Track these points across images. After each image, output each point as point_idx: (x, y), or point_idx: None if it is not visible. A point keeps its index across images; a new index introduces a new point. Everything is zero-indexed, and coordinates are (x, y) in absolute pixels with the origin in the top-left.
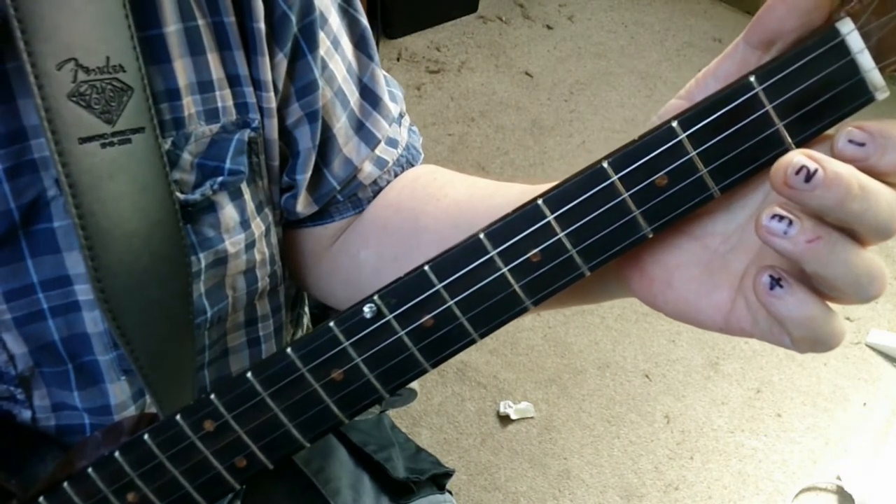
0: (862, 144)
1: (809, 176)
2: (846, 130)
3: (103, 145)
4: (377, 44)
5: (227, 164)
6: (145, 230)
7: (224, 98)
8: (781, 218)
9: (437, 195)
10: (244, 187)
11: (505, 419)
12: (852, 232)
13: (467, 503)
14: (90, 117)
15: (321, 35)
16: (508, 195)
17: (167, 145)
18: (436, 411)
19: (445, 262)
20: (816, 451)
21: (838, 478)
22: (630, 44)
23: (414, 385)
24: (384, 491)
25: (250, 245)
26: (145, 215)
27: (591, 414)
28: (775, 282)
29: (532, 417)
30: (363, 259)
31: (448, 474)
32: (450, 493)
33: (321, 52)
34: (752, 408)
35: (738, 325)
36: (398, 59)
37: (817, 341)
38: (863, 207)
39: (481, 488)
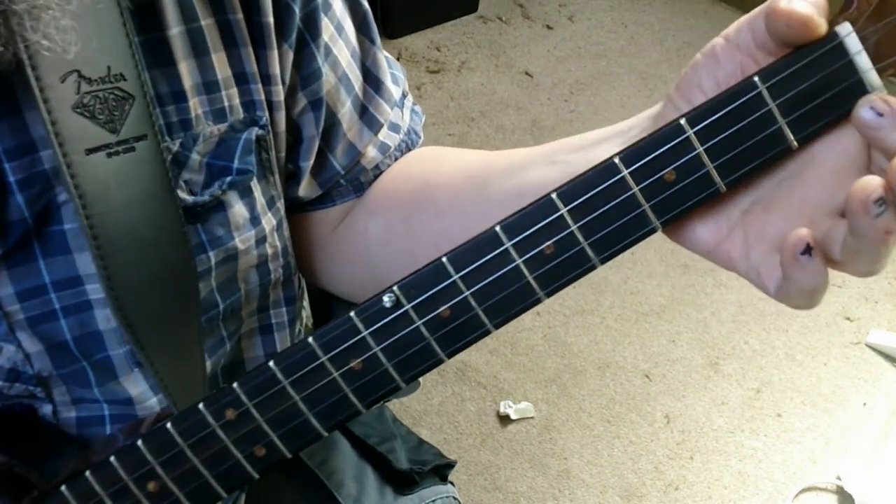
0: (881, 115)
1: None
2: (869, 97)
3: (109, 154)
4: None
5: (236, 164)
6: (153, 235)
7: (231, 97)
8: (883, 202)
9: (451, 158)
10: (254, 185)
11: (505, 419)
12: None
13: (467, 503)
14: (95, 128)
15: (325, 21)
16: (535, 148)
17: (175, 147)
18: (436, 411)
19: (462, 253)
20: (816, 451)
21: (838, 478)
22: (630, 44)
23: None
24: (388, 482)
25: (261, 241)
26: (152, 220)
27: (591, 414)
28: (808, 250)
29: (532, 417)
30: (371, 231)
31: (450, 465)
32: (452, 484)
33: (325, 38)
34: (752, 408)
35: (726, 253)
36: (398, 59)
37: (807, 304)
38: None
39: (481, 488)
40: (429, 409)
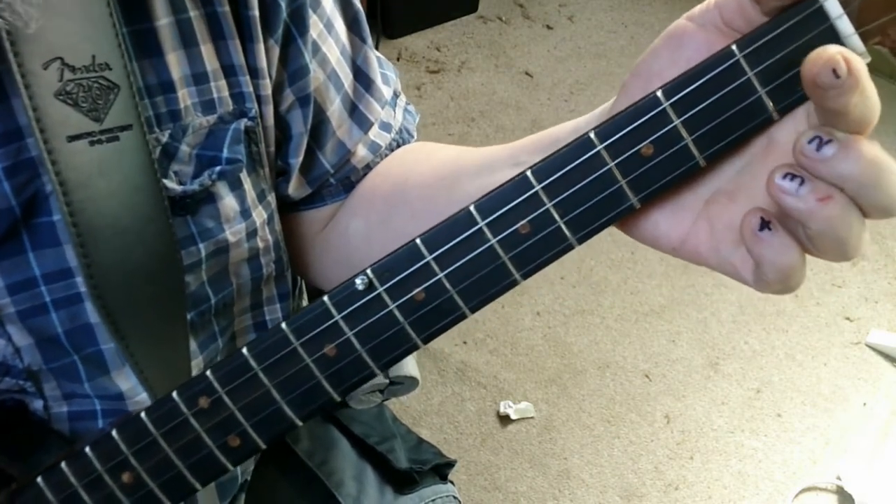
0: (838, 76)
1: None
2: (828, 55)
3: (92, 143)
4: (377, 44)
5: (225, 154)
6: (137, 226)
7: (219, 89)
8: (794, 177)
9: (425, 158)
10: (244, 177)
11: (505, 419)
12: (858, 200)
13: (467, 503)
14: (78, 115)
15: (313, 18)
16: (502, 147)
17: (165, 138)
18: (436, 411)
19: (436, 234)
20: (816, 451)
21: (838, 478)
22: (630, 44)
23: (415, 373)
24: (387, 482)
25: (252, 234)
26: (136, 212)
27: (591, 414)
28: (764, 224)
29: (532, 417)
30: (352, 230)
31: (450, 464)
32: (452, 483)
33: (313, 34)
34: (752, 408)
35: (694, 248)
36: (398, 59)
37: (785, 287)
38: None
39: (481, 488)
40: (429, 409)
